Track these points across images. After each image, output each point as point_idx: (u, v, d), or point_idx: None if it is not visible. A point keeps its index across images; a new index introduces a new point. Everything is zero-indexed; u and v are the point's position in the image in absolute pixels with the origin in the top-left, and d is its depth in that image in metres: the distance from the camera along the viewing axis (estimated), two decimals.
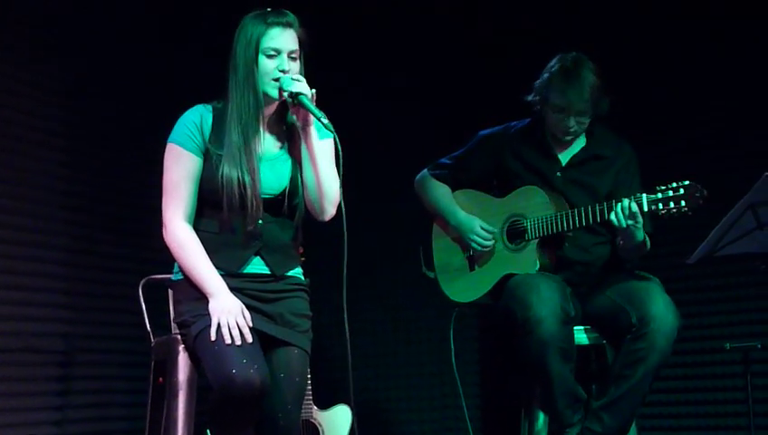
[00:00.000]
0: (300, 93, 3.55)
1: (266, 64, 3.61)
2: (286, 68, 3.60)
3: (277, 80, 3.61)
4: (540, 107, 4.46)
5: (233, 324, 3.49)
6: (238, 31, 3.65)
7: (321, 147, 3.65)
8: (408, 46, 6.28)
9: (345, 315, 3.59)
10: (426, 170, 4.72)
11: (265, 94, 3.63)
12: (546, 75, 4.41)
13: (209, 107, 3.70)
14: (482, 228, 4.50)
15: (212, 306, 3.53)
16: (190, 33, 5.73)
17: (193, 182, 3.63)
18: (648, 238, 4.32)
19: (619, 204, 4.14)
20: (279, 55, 3.61)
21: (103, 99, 5.41)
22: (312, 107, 3.54)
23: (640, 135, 5.28)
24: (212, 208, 3.64)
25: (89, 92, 5.33)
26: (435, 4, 6.20)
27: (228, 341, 3.46)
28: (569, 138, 4.43)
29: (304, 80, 3.60)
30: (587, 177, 4.45)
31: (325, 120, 3.52)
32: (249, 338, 3.50)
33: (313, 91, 3.58)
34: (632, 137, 4.63)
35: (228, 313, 3.51)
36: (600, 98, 4.34)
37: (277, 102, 3.67)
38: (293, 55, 3.63)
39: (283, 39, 3.62)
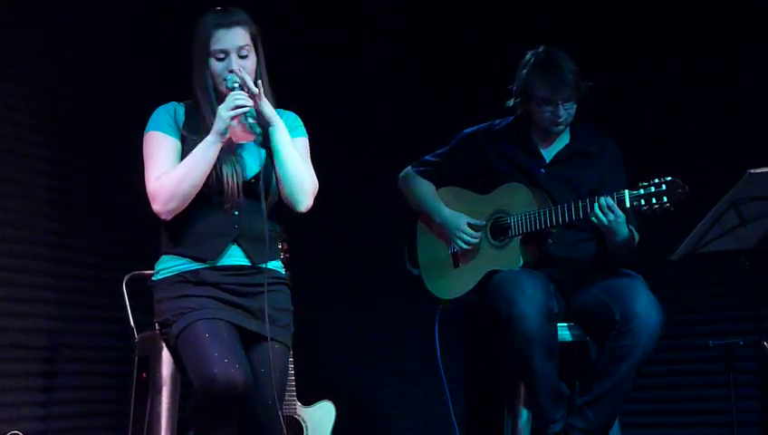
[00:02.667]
0: (233, 88, 3.55)
1: (216, 66, 3.63)
2: (234, 67, 3.60)
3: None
4: (523, 107, 4.46)
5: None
6: (193, 33, 3.66)
7: (284, 139, 3.63)
8: (396, 44, 6.30)
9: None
10: (410, 167, 4.72)
11: (222, 93, 3.63)
12: (524, 72, 4.41)
13: (181, 104, 3.73)
14: (468, 225, 4.50)
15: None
16: (181, 28, 5.71)
17: (174, 162, 3.62)
18: (635, 232, 4.33)
19: (596, 203, 4.16)
20: (228, 56, 3.62)
21: (88, 94, 5.40)
22: (241, 101, 3.52)
23: (626, 131, 5.32)
24: None
25: (73, 88, 5.33)
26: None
27: None
28: (561, 128, 4.42)
29: (247, 75, 3.59)
30: (571, 173, 4.46)
31: (251, 120, 3.53)
32: None
33: (259, 82, 3.60)
34: (617, 132, 4.65)
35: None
36: (580, 82, 4.36)
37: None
38: (243, 52, 3.63)
39: (229, 39, 3.61)
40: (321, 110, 4.71)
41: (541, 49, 4.41)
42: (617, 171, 4.46)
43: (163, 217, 3.61)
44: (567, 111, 4.37)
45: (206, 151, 3.54)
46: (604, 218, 4.15)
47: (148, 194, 3.61)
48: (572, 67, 4.34)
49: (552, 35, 5.05)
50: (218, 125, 3.53)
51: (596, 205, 4.16)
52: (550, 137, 4.48)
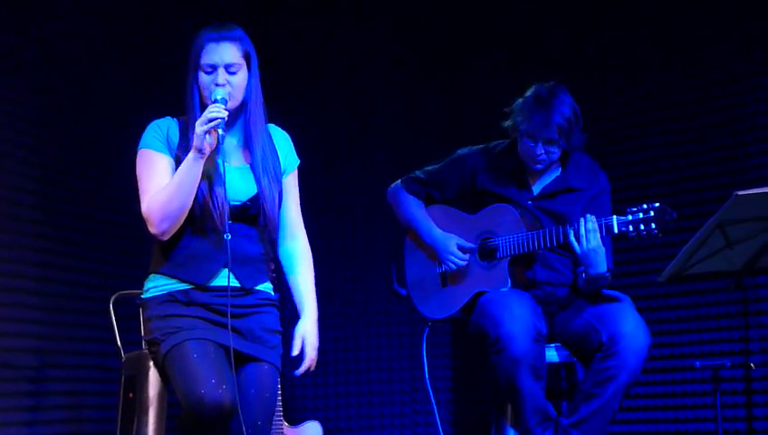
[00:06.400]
0: (215, 100, 3.54)
1: (204, 80, 3.61)
2: (220, 81, 3.59)
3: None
4: (513, 133, 4.44)
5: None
6: (188, 48, 3.66)
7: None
8: (384, 59, 6.32)
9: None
10: (399, 183, 4.69)
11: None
12: (520, 101, 4.40)
13: (174, 119, 3.71)
14: (458, 247, 4.50)
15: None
16: (170, 40, 5.73)
17: (166, 181, 3.59)
18: (609, 274, 4.32)
19: (581, 226, 4.16)
20: (215, 70, 3.60)
21: (75, 112, 5.39)
22: (213, 114, 3.49)
23: (614, 151, 5.34)
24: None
25: (60, 106, 5.31)
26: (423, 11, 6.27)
27: None
28: (538, 166, 4.40)
29: (230, 88, 3.59)
30: (557, 207, 4.43)
31: (221, 131, 3.49)
32: None
33: None
34: (603, 153, 4.66)
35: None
36: (572, 130, 4.32)
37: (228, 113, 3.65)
38: (232, 69, 3.61)
39: (218, 53, 3.60)
40: (310, 122, 4.72)
41: (548, 84, 4.36)
42: (602, 205, 4.42)
43: (160, 238, 3.60)
44: (548, 154, 4.34)
45: (189, 170, 3.52)
46: (585, 242, 4.15)
47: (143, 216, 3.59)
48: (568, 114, 4.29)
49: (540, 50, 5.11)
50: (195, 141, 3.50)
51: (581, 227, 4.16)
52: (535, 170, 4.46)
